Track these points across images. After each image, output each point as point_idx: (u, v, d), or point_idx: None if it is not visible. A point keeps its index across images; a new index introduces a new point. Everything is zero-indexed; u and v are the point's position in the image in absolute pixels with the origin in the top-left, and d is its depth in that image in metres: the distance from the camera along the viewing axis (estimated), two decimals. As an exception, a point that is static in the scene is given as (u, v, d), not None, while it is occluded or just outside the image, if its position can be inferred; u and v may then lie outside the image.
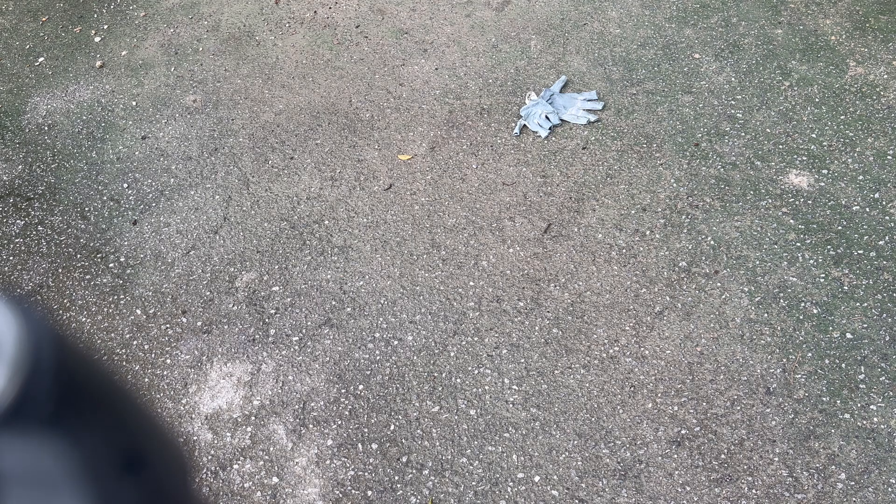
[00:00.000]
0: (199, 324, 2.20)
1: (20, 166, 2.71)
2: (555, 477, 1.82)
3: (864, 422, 1.92)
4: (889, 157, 2.39)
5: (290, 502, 1.83)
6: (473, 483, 1.85)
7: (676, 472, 1.82)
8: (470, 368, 2.02)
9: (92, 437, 0.18)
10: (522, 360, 2.03)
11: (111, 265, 2.40)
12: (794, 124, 2.51)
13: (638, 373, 1.98)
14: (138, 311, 2.27)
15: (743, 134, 2.50)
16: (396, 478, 1.87)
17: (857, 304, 2.10)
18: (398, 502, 1.82)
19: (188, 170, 2.63)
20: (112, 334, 2.22)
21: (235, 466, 1.91)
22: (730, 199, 2.33)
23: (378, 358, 2.07)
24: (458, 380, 2.00)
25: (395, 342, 2.09)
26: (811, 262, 2.18)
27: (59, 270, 2.40)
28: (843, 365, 2.00)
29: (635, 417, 1.91)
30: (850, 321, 2.07)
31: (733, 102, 2.58)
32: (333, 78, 2.85)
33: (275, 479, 1.87)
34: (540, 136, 2.55)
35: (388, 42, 2.95)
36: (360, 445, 1.92)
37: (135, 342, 2.19)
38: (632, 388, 1.96)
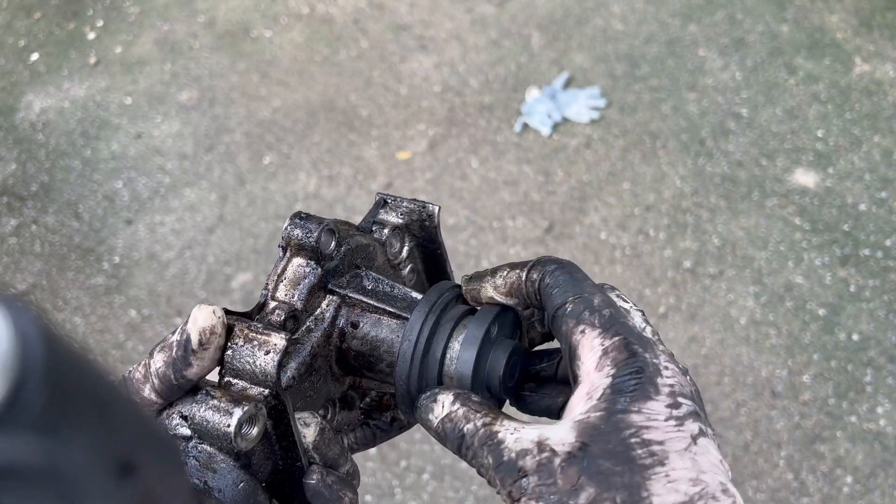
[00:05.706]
0: (195, 325, 2.17)
1: (13, 165, 2.68)
2: (557, 482, 1.79)
3: (871, 424, 1.90)
4: (896, 156, 2.36)
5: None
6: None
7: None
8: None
9: (84, 440, 0.17)
10: (524, 363, 2.00)
11: (105, 265, 2.36)
12: (800, 122, 2.47)
13: (642, 375, 1.95)
14: (133, 312, 2.24)
15: (748, 132, 2.46)
16: (396, 482, 1.85)
17: (864, 305, 2.07)
18: (398, 508, 1.80)
19: (183, 168, 2.59)
20: (106, 335, 2.19)
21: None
22: (735, 199, 2.30)
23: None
24: (459, 382, 1.97)
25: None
26: (817, 262, 2.16)
27: (53, 271, 2.37)
28: (850, 367, 1.97)
29: (639, 421, 1.88)
30: (856, 322, 2.04)
31: (738, 100, 2.55)
32: (331, 74, 2.81)
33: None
34: (542, 134, 2.52)
35: (387, 37, 2.91)
36: (358, 450, 1.89)
37: (129, 343, 2.16)
38: (635, 391, 1.93)
